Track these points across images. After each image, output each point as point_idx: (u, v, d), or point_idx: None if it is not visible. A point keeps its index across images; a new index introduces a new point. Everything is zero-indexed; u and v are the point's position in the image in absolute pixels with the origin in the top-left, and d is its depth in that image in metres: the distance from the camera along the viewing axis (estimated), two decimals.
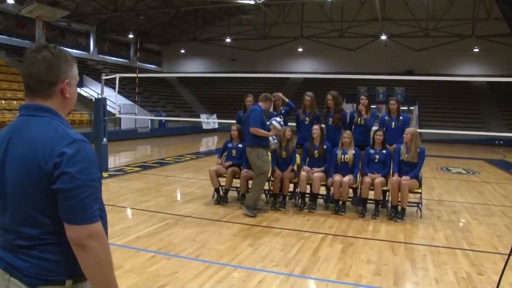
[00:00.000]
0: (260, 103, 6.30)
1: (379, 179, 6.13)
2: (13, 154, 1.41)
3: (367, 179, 6.18)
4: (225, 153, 7.01)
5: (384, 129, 6.63)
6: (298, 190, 6.62)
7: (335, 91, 6.84)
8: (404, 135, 6.13)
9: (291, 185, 6.76)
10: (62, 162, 1.34)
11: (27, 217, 1.39)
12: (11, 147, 1.42)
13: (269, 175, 6.95)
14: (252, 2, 20.88)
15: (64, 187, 1.33)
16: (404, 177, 6.00)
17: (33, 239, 1.39)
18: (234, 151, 6.90)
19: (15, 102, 17.66)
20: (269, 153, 6.82)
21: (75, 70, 1.52)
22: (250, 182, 6.74)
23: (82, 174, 1.35)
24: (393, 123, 6.66)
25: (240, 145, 6.84)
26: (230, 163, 6.84)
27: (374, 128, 6.71)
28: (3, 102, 17.51)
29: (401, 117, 6.70)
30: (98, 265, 1.37)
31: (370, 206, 6.35)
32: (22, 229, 1.40)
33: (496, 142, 21.09)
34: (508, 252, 2.47)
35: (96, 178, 1.41)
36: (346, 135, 6.37)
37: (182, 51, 33.86)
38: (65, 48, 1.52)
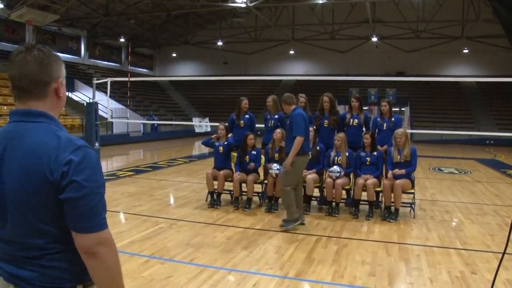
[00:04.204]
0: None
1: (371, 180, 6.15)
2: (11, 164, 1.34)
3: (360, 180, 6.20)
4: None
5: (376, 130, 6.67)
6: None
7: (329, 93, 6.87)
8: (398, 139, 6.09)
9: None
10: (70, 171, 1.30)
11: (32, 228, 1.34)
12: (8, 156, 1.34)
13: (262, 177, 6.96)
14: (244, 5, 20.89)
15: (72, 196, 1.30)
16: (396, 170, 6.03)
17: (39, 249, 1.35)
18: (221, 148, 6.86)
19: (5, 107, 17.50)
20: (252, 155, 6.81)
21: (64, 70, 1.50)
22: (244, 185, 6.73)
23: (89, 182, 1.32)
24: (385, 124, 6.68)
25: (226, 142, 6.84)
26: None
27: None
28: None
29: (393, 119, 6.72)
30: (107, 271, 1.35)
31: (364, 207, 6.37)
32: (27, 240, 1.35)
33: (487, 141, 21.32)
34: (501, 251, 2.49)
35: (102, 184, 1.38)
36: (338, 137, 6.38)
37: (174, 54, 33.81)
38: (56, 53, 1.50)
